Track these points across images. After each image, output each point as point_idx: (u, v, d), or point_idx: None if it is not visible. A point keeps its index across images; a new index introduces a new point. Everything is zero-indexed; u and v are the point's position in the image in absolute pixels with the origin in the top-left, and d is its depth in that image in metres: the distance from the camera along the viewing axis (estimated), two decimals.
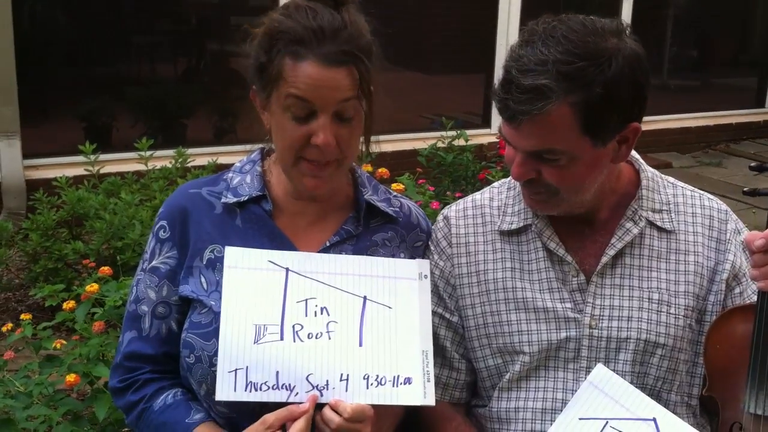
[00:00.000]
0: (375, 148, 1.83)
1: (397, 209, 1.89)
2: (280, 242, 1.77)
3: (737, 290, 1.83)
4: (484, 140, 6.13)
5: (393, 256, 1.83)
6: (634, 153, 1.86)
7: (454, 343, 1.91)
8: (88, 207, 4.35)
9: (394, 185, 3.53)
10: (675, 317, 1.80)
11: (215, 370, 1.61)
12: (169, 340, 1.77)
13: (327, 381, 1.62)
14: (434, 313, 1.85)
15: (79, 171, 4.86)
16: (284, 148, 1.70)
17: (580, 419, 1.70)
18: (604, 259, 1.81)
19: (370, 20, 1.71)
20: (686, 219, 1.87)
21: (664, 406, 1.72)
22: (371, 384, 1.64)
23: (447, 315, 1.90)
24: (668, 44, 9.04)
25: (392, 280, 1.75)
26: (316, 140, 1.64)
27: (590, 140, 1.67)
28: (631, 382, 1.74)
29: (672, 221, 1.86)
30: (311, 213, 1.82)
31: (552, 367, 1.81)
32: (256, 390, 1.60)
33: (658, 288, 1.81)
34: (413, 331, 1.71)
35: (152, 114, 6.38)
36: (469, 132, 5.34)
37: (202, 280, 1.75)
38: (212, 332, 1.67)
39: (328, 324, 1.67)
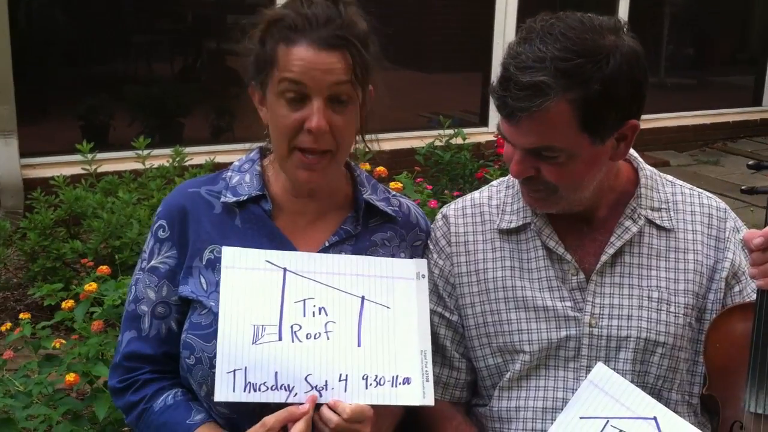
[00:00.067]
0: (373, 147, 1.83)
1: (396, 208, 1.89)
2: (280, 242, 1.76)
3: (737, 288, 1.83)
4: (482, 139, 6.15)
5: (392, 255, 1.82)
6: (632, 151, 1.86)
7: (454, 342, 1.90)
8: (85, 206, 4.34)
9: (392, 184, 3.53)
10: (675, 316, 1.80)
11: (215, 372, 1.60)
12: (169, 340, 1.76)
13: (326, 381, 1.62)
14: (434, 312, 1.85)
15: (77, 170, 4.85)
16: (279, 137, 1.70)
17: (580, 418, 1.69)
18: (604, 258, 1.80)
19: (369, 19, 1.71)
20: (685, 217, 1.87)
21: (665, 405, 1.72)
22: (370, 384, 1.64)
23: (447, 314, 1.90)
24: (665, 43, 9.04)
25: (390, 280, 1.74)
26: (309, 124, 1.64)
27: (589, 137, 1.67)
28: (632, 381, 1.73)
29: (671, 219, 1.85)
30: (310, 212, 1.81)
31: (552, 366, 1.81)
32: (255, 390, 1.59)
33: (657, 286, 1.81)
34: (411, 331, 1.71)
35: (149, 113, 6.37)
36: (466, 130, 5.36)
37: (202, 280, 1.74)
38: (212, 334, 1.66)
39: (326, 324, 1.66)
